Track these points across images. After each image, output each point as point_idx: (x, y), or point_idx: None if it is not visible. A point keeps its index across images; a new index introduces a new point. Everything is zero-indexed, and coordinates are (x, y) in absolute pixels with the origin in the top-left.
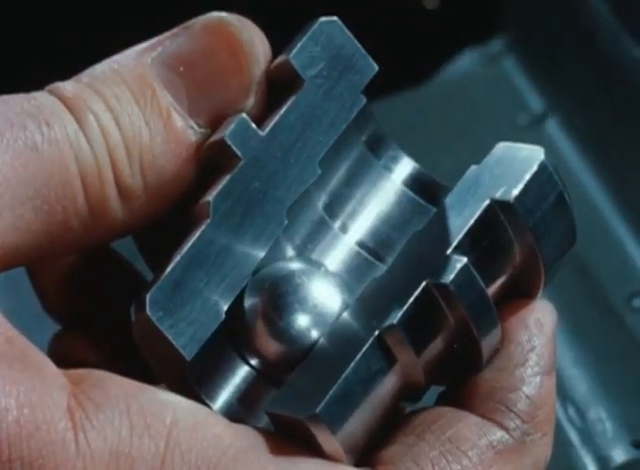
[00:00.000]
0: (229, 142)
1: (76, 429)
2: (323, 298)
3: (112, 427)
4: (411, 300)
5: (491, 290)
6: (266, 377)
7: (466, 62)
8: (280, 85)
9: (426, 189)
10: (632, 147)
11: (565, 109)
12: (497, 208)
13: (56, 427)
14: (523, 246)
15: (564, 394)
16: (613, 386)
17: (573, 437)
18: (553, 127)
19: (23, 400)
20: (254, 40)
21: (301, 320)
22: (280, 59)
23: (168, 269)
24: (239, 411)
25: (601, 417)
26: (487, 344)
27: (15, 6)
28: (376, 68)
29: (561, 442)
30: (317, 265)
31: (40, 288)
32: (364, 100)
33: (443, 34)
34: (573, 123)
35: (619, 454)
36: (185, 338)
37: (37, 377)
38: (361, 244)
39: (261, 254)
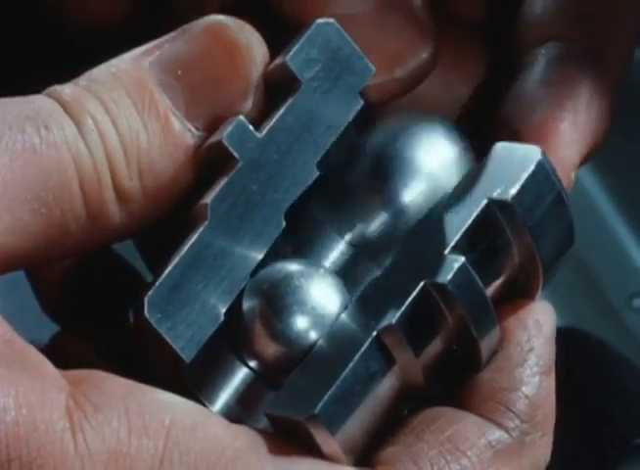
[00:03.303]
0: (226, 144)
1: (75, 429)
2: (321, 299)
3: (110, 427)
4: (409, 300)
5: (490, 290)
6: (265, 379)
7: None
8: (277, 87)
9: None
10: (632, 147)
11: None
12: (495, 207)
13: (54, 427)
14: (521, 245)
15: None
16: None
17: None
18: None
19: (22, 401)
20: (252, 43)
21: (300, 322)
22: (277, 61)
23: (166, 272)
24: (238, 413)
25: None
26: (486, 344)
27: (15, 6)
28: (373, 69)
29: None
30: (315, 267)
31: (39, 289)
32: (361, 101)
33: None
34: None
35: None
36: (184, 340)
37: (36, 378)
38: (359, 245)
39: (259, 256)
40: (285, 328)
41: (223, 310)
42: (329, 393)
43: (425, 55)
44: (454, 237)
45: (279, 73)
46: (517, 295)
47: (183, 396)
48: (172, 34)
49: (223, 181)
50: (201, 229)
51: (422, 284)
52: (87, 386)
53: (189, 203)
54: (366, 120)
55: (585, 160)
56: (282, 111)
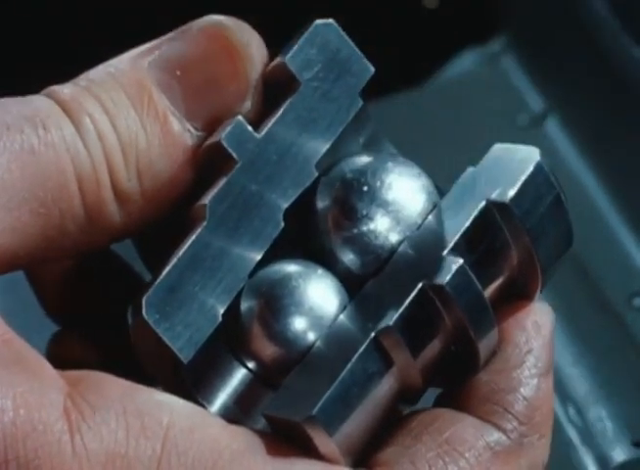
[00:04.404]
0: (225, 145)
1: (73, 430)
2: (319, 300)
3: (108, 428)
4: (407, 301)
5: (488, 291)
6: (263, 380)
7: (466, 62)
8: (276, 87)
9: None
10: (632, 147)
11: (565, 109)
12: (493, 208)
13: (52, 428)
14: (519, 247)
15: (564, 393)
16: (613, 386)
17: (573, 437)
18: (553, 127)
19: (20, 402)
20: (251, 43)
21: (298, 323)
22: (276, 61)
23: (165, 272)
24: (236, 414)
25: (601, 417)
26: (484, 345)
27: (15, 6)
28: (372, 70)
29: (561, 441)
30: (313, 268)
31: (39, 289)
32: (361, 102)
33: (443, 34)
34: (573, 123)
35: (620, 454)
36: (182, 341)
37: (34, 378)
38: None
39: (258, 256)
40: (283, 329)
41: (221, 311)
42: (327, 394)
43: None
44: (452, 238)
45: (278, 74)
46: (515, 296)
47: (181, 396)
48: (171, 34)
49: (222, 182)
50: (199, 230)
51: (420, 285)
52: (85, 386)
53: (187, 203)
54: (365, 121)
55: None
56: (281, 111)
